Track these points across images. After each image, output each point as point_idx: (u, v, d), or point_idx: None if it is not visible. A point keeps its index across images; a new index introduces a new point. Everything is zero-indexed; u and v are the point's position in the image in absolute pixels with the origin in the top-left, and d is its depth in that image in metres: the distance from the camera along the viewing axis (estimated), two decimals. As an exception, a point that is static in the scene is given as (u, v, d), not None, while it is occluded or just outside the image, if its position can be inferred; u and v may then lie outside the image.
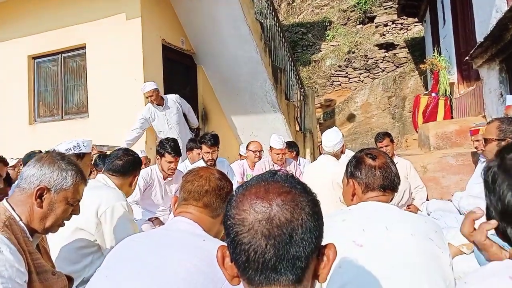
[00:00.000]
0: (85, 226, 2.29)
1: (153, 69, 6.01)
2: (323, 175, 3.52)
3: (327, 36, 12.99)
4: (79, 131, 5.75)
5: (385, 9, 12.47)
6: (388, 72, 11.16)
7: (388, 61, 11.31)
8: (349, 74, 11.66)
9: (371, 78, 11.30)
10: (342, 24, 13.18)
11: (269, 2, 7.89)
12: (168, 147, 3.87)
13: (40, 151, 3.89)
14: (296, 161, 5.47)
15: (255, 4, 7.22)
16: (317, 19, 13.77)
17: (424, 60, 8.02)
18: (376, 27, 12.46)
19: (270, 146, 4.76)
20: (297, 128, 8.41)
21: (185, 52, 6.89)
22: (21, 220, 1.56)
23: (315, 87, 11.61)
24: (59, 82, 6.64)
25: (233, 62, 6.80)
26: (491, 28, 4.56)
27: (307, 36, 13.26)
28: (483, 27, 5.35)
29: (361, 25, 12.84)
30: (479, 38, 5.27)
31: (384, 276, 1.38)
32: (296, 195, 0.80)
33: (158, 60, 6.18)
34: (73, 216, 1.73)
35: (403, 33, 12.09)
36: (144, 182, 3.87)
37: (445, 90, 7.24)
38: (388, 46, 11.54)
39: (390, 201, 1.71)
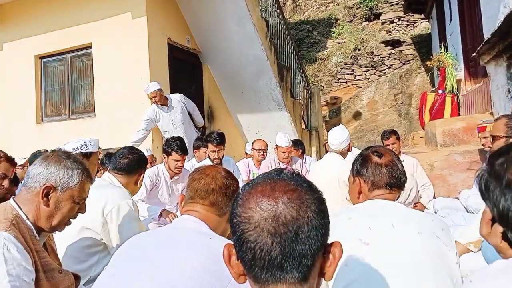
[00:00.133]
0: (91, 225, 2.30)
1: (159, 68, 6.03)
2: (329, 173, 3.51)
3: (333, 33, 12.95)
4: (86, 130, 5.79)
5: (391, 5, 12.41)
6: (394, 69, 11.10)
7: (395, 58, 11.25)
8: (355, 72, 11.62)
9: (377, 76, 11.26)
10: (347, 21, 13.13)
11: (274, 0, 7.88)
12: (175, 146, 3.87)
13: (46, 150, 3.91)
14: (302, 159, 5.47)
15: (260, 2, 7.20)
16: (322, 16, 13.73)
17: (431, 57, 7.96)
18: (382, 24, 12.40)
19: (276, 145, 4.75)
20: (303, 126, 8.40)
21: (190, 51, 6.90)
22: (28, 218, 1.57)
23: (321, 85, 11.58)
24: (66, 82, 6.68)
25: (239, 61, 6.80)
26: (499, 24, 4.51)
27: (313, 33, 13.22)
28: (490, 23, 5.31)
29: (367, 22, 12.79)
30: (486, 34, 5.23)
31: (391, 274, 1.37)
32: (302, 193, 0.80)
33: (164, 59, 6.20)
34: (79, 215, 1.74)
35: (409, 30, 12.02)
36: (150, 181, 3.88)
37: (452, 87, 7.19)
38: (394, 43, 11.48)
39: (397, 199, 1.70)
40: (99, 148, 3.25)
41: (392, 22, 12.28)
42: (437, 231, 1.51)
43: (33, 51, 6.70)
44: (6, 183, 2.63)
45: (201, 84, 7.16)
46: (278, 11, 7.95)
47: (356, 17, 13.05)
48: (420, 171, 4.52)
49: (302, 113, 8.43)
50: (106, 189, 2.43)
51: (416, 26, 12.00)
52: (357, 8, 13.10)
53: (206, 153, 4.57)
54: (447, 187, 4.80)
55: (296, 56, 8.59)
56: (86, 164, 1.77)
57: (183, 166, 4.00)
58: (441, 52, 7.53)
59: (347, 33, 12.66)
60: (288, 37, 8.29)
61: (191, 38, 6.82)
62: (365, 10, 12.81)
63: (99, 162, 3.96)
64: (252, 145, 5.30)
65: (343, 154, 3.72)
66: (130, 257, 1.41)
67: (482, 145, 4.02)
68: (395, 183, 1.67)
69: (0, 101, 6.92)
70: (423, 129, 7.33)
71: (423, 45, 10.94)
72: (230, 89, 7.35)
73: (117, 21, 6.01)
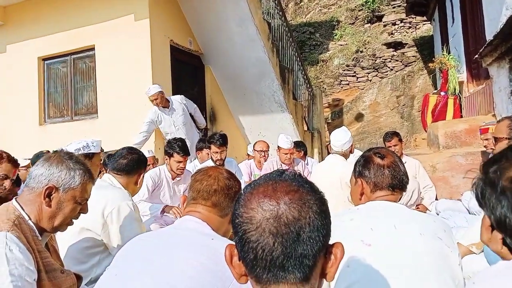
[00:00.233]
0: (91, 226, 2.28)
1: (162, 69, 6.04)
2: (331, 175, 3.51)
3: (335, 35, 12.96)
4: (88, 132, 5.80)
5: (393, 7, 12.40)
6: (396, 71, 11.09)
7: (397, 60, 11.24)
8: (357, 74, 11.62)
9: (380, 77, 11.25)
10: (350, 23, 13.14)
11: (276, 2, 7.89)
12: (177, 147, 3.87)
13: (49, 151, 3.92)
14: (304, 161, 5.46)
15: (262, 4, 7.22)
16: (324, 18, 13.74)
17: (433, 59, 7.96)
18: (384, 26, 12.40)
19: (278, 146, 4.75)
20: (305, 128, 8.40)
21: (193, 53, 6.91)
22: (30, 219, 1.57)
23: (323, 87, 11.58)
24: (68, 83, 6.70)
25: (241, 62, 6.81)
26: (501, 26, 4.51)
27: (315, 35, 13.23)
28: (492, 25, 5.30)
29: (369, 24, 12.79)
30: (489, 36, 5.23)
31: (393, 275, 1.37)
32: (303, 194, 0.81)
33: (166, 60, 6.21)
34: (80, 215, 1.75)
35: (411, 32, 12.01)
36: (152, 182, 3.88)
37: (454, 89, 7.18)
38: (397, 45, 11.47)
39: (399, 201, 1.70)
40: (102, 149, 3.25)
41: (394, 24, 12.28)
42: (439, 232, 1.51)
43: (36, 53, 6.73)
44: (7, 184, 2.64)
45: (203, 86, 7.17)
46: (280, 13, 7.96)
47: (358, 19, 13.05)
48: (422, 173, 4.52)
49: (304, 115, 8.43)
50: (106, 190, 2.42)
51: (418, 28, 11.99)
52: (359, 10, 13.11)
53: (208, 154, 4.57)
54: (449, 188, 4.79)
55: (298, 58, 8.60)
56: (88, 165, 1.77)
57: (185, 167, 4.00)
58: (443, 54, 7.53)
59: (349, 35, 12.66)
60: (290, 39, 8.30)
61: (193, 40, 6.84)
62: (367, 12, 12.81)
63: (101, 163, 3.96)
64: (253, 147, 5.30)
65: (345, 155, 3.72)
66: (132, 257, 1.41)
67: (485, 146, 4.01)
68: (397, 184, 1.67)
69: (3, 103, 6.94)
70: (425, 131, 7.31)
71: (425, 47, 10.93)
72: (232, 91, 7.36)
73: (120, 23, 6.02)
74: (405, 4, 10.70)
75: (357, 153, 4.23)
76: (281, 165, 4.77)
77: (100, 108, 6.27)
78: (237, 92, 7.29)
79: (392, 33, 12.18)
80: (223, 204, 1.53)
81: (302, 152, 5.70)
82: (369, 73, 11.47)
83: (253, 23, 6.25)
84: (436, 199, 4.49)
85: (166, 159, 3.99)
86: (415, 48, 11.20)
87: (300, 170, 4.91)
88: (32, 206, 1.59)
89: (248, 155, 6.16)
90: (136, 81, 5.84)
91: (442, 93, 7.24)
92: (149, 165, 5.16)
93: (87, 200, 1.74)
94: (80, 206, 1.70)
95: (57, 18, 6.46)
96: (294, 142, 4.98)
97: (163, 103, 5.57)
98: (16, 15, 6.83)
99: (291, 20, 13.77)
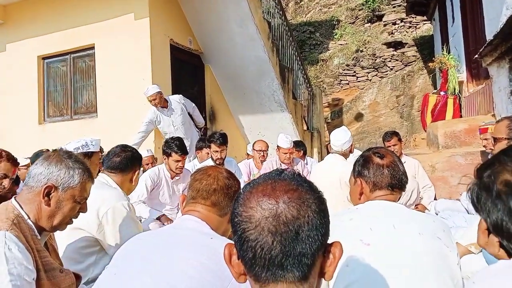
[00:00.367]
0: (86, 227, 2.26)
1: (161, 69, 6.04)
2: (331, 174, 3.50)
3: (335, 35, 12.96)
4: (88, 131, 5.79)
5: (394, 7, 12.40)
6: (396, 71, 11.09)
7: (397, 60, 11.24)
8: (357, 73, 11.62)
9: (379, 77, 11.25)
10: (350, 23, 13.13)
11: (276, 1, 7.88)
12: (174, 146, 3.86)
13: (48, 150, 3.91)
14: (304, 161, 5.46)
15: (262, 3, 7.21)
16: (325, 18, 13.74)
17: (433, 58, 7.96)
18: (385, 25, 12.40)
19: (278, 146, 4.75)
20: (305, 128, 8.39)
21: (193, 52, 6.91)
22: (29, 218, 1.57)
23: (323, 86, 11.58)
24: (68, 82, 6.70)
25: (241, 62, 6.81)
26: (501, 26, 4.51)
27: (315, 35, 13.23)
28: (492, 25, 5.30)
29: (369, 23, 12.79)
30: (489, 36, 5.23)
31: (392, 275, 1.37)
32: (302, 193, 0.81)
33: (166, 60, 6.21)
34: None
35: (411, 32, 12.01)
36: (151, 181, 3.88)
37: (454, 89, 7.18)
38: (397, 45, 11.47)
39: (398, 200, 1.70)
40: (101, 148, 3.24)
41: (394, 23, 12.28)
42: (438, 232, 1.51)
43: (35, 52, 6.73)
44: (6, 183, 2.63)
45: (203, 85, 7.17)
46: (281, 12, 7.96)
47: (358, 18, 13.05)
48: (421, 173, 4.52)
49: (304, 115, 8.42)
50: (101, 190, 2.36)
51: (419, 28, 11.99)
52: (359, 10, 13.11)
53: (208, 153, 4.57)
54: (449, 188, 4.79)
55: (298, 58, 8.59)
56: (87, 163, 1.77)
57: (183, 166, 4.00)
58: (443, 53, 7.53)
59: (349, 34, 12.66)
60: (290, 38, 8.29)
61: (193, 39, 6.83)
62: (368, 11, 12.81)
63: (100, 162, 3.96)
64: (253, 146, 5.30)
65: (345, 155, 3.72)
66: (131, 256, 1.41)
67: (484, 146, 4.01)
68: (397, 184, 1.67)
69: (3, 101, 6.94)
70: (425, 131, 7.31)
71: (425, 46, 10.93)
72: (232, 90, 7.36)
73: (120, 22, 6.02)
74: (405, 4, 10.70)
75: (357, 153, 4.23)
76: (280, 164, 4.76)
77: (99, 107, 6.27)
78: (237, 91, 7.29)
79: (392, 33, 12.18)
80: (222, 203, 1.53)
81: (302, 151, 5.70)
82: (369, 73, 11.47)
83: (253, 22, 6.25)
84: (435, 199, 4.49)
85: (165, 158, 3.99)
86: (415, 47, 11.20)
87: (299, 169, 4.91)
88: (31, 205, 1.59)
89: (248, 154, 6.16)
90: (136, 80, 5.83)
91: (442, 93, 7.24)
92: (148, 164, 5.17)
93: (87, 199, 1.74)
94: (80, 205, 1.70)
95: (57, 17, 6.46)
96: (293, 141, 4.98)
97: (162, 103, 5.56)
98: (16, 14, 6.83)
99: (291, 19, 13.77)
